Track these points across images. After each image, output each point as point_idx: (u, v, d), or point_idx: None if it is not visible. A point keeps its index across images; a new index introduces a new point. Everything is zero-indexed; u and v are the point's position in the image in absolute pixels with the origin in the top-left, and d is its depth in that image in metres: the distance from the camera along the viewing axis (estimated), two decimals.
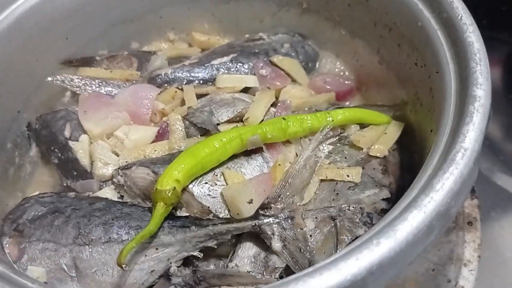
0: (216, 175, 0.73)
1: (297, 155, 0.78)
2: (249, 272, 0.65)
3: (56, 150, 0.82)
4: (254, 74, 0.92)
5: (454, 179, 0.50)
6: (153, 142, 0.81)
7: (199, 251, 0.67)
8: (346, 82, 0.95)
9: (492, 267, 1.00)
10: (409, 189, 0.53)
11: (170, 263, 0.66)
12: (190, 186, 0.71)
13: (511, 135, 1.22)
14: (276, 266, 0.66)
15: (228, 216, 0.70)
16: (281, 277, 0.66)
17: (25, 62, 0.84)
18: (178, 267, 0.67)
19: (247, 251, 0.67)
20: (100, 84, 0.88)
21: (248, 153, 0.76)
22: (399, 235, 0.47)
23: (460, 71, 0.62)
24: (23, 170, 0.85)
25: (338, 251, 0.64)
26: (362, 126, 0.82)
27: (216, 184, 0.72)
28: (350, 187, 0.71)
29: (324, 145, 0.76)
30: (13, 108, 0.84)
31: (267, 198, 0.67)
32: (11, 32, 0.81)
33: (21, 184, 0.85)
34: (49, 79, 0.88)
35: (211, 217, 0.69)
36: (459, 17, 0.66)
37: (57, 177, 0.84)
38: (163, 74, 0.90)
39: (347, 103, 0.94)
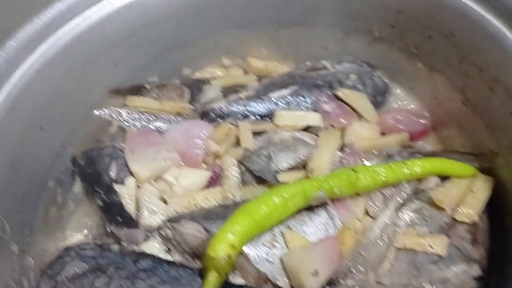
0: (275, 236, 0.65)
1: (366, 211, 0.68)
2: None
3: (100, 191, 0.76)
4: (316, 110, 0.83)
5: None
6: (205, 188, 0.73)
7: None
8: (421, 121, 0.84)
9: None
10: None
11: None
12: (246, 248, 0.63)
13: None
14: None
15: (289, 287, 0.61)
16: None
17: (70, 93, 0.78)
18: None
19: None
20: (149, 118, 0.81)
21: (310, 207, 0.68)
22: None
23: None
24: (65, 208, 0.80)
25: None
26: (442, 177, 0.72)
27: (275, 247, 0.64)
28: (433, 260, 0.61)
29: (404, 209, 0.65)
30: (57, 143, 0.78)
31: (335, 272, 0.58)
32: (55, 62, 0.74)
33: (62, 224, 0.79)
34: (96, 113, 0.81)
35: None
36: None
37: (101, 218, 0.77)
38: (217, 108, 0.82)
39: (420, 145, 0.84)
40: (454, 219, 0.65)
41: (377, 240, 0.59)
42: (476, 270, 0.60)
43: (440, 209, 0.66)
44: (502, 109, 0.67)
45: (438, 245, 0.61)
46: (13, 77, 0.70)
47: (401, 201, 0.64)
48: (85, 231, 0.78)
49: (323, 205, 0.68)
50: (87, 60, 0.79)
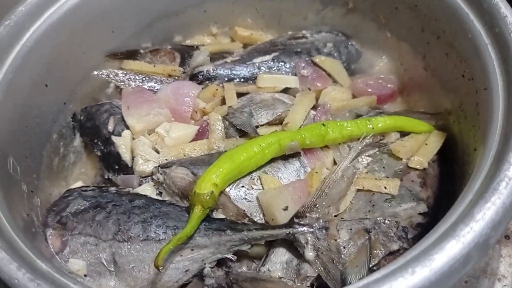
0: (253, 179, 0.74)
1: (335, 161, 0.78)
2: (280, 278, 0.66)
3: (99, 143, 0.84)
4: (295, 74, 0.91)
5: (496, 209, 0.49)
6: (193, 140, 0.82)
7: (232, 254, 0.68)
8: (389, 85, 0.93)
9: None
10: (448, 214, 0.53)
11: (204, 264, 0.68)
12: (227, 189, 0.72)
13: None
14: (308, 274, 0.66)
15: (263, 221, 0.71)
16: (311, 286, 0.67)
17: (72, 55, 0.86)
18: (212, 268, 0.68)
19: (280, 257, 0.68)
20: (144, 79, 0.90)
21: (285, 157, 0.77)
22: (434, 265, 0.46)
23: (510, 91, 0.60)
24: (67, 159, 0.88)
25: (370, 265, 0.65)
26: (403, 133, 0.81)
27: (252, 188, 0.73)
28: (386, 199, 0.71)
29: (363, 155, 0.75)
30: (59, 100, 0.87)
31: (302, 207, 0.68)
32: (59, 26, 0.83)
33: (64, 173, 0.88)
34: (95, 73, 0.90)
35: (246, 221, 0.70)
36: (511, 33, 0.63)
37: (99, 168, 0.86)
38: (205, 71, 0.90)
39: (387, 107, 0.93)
40: (408, 166, 0.74)
41: (339, 180, 0.69)
42: (422, 207, 0.70)
43: (397, 158, 0.76)
44: (454, 72, 0.76)
45: (391, 186, 0.71)
46: (22, 38, 0.78)
47: (362, 148, 0.73)
48: (85, 178, 0.88)
49: (297, 155, 0.77)
50: (87, 25, 0.87)
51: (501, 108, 0.60)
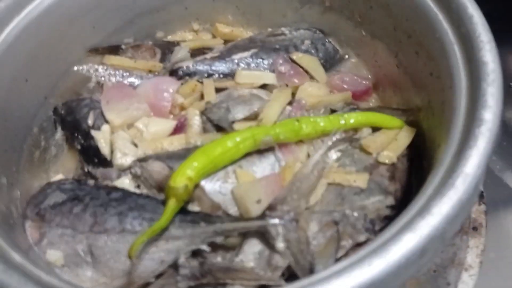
0: (228, 173, 0.76)
1: (309, 155, 0.80)
2: (252, 267, 0.69)
3: (79, 136, 0.86)
4: (274, 71, 0.93)
5: (452, 204, 0.52)
6: (171, 135, 0.84)
7: (207, 245, 0.70)
8: (364, 82, 0.95)
9: (498, 269, 1.02)
10: (408, 208, 0.55)
11: (179, 254, 0.70)
12: (202, 182, 0.74)
13: None
14: (279, 264, 0.69)
15: (237, 214, 0.73)
16: (282, 275, 0.69)
17: (53, 50, 0.88)
18: (187, 258, 0.70)
19: (253, 248, 0.70)
20: (124, 74, 0.91)
21: (260, 151, 0.79)
22: (391, 257, 0.49)
23: (472, 90, 0.63)
24: (48, 153, 0.90)
25: (338, 256, 0.68)
26: (375, 129, 0.83)
27: (227, 182, 0.75)
28: (356, 192, 0.73)
29: (334, 150, 0.77)
30: (40, 94, 0.88)
31: (274, 199, 0.70)
32: (40, 20, 0.83)
33: (45, 166, 0.89)
34: (76, 68, 0.91)
35: (220, 214, 0.72)
36: (476, 34, 0.66)
37: (79, 161, 0.88)
38: (184, 67, 0.92)
39: (363, 103, 0.95)
40: (378, 161, 0.77)
41: (309, 174, 0.71)
42: (390, 200, 0.72)
43: (368, 153, 0.78)
44: (424, 70, 0.78)
45: (360, 180, 0.73)
46: (2, 34, 0.79)
47: (332, 143, 0.75)
48: (65, 172, 0.89)
49: (272, 150, 0.79)
50: (68, 21, 0.88)
51: (463, 106, 0.62)
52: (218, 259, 0.73)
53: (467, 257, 0.84)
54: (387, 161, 0.76)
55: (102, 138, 0.83)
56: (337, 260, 0.67)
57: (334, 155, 0.77)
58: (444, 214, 0.52)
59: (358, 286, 0.47)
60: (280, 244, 0.68)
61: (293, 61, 0.95)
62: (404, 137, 0.79)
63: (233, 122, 0.83)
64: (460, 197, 0.53)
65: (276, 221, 0.68)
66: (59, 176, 0.86)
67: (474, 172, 0.54)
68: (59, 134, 0.92)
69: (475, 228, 0.87)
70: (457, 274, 0.82)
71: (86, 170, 0.85)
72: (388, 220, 0.71)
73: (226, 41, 1.04)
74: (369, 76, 0.96)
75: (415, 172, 0.80)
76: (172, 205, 0.69)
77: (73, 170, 0.90)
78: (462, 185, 0.53)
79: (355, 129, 0.82)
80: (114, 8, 0.94)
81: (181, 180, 0.69)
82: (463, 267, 0.83)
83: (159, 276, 0.71)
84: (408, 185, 0.76)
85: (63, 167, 0.91)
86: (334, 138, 0.76)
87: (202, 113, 0.85)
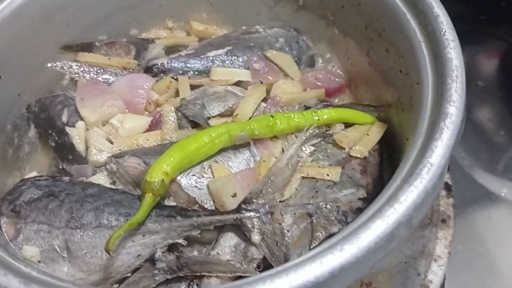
0: (204, 168, 0.77)
1: (283, 150, 0.82)
2: (229, 260, 0.70)
3: (53, 134, 0.86)
4: (248, 68, 0.95)
5: (418, 192, 0.54)
6: (146, 131, 0.84)
7: (183, 239, 0.71)
8: (337, 79, 0.97)
9: (466, 261, 1.06)
10: (378, 198, 0.57)
11: (156, 248, 0.71)
12: (178, 177, 0.75)
13: (496, 133, 1.26)
14: (254, 257, 0.70)
15: (213, 208, 0.74)
16: (258, 267, 0.71)
17: (27, 46, 0.87)
18: (163, 252, 0.71)
19: (229, 241, 0.72)
20: (98, 71, 0.92)
21: (236, 147, 0.80)
22: (361, 243, 0.51)
23: (438, 86, 0.65)
24: (21, 150, 0.89)
25: (312, 246, 0.70)
26: (347, 124, 0.86)
27: (203, 177, 0.76)
28: (329, 185, 0.75)
29: (307, 145, 0.79)
30: (13, 91, 0.87)
31: (250, 193, 0.72)
32: (13, 17, 0.83)
33: (19, 164, 0.89)
34: (49, 65, 0.91)
35: (196, 208, 0.73)
36: (442, 32, 0.69)
37: (54, 159, 0.88)
38: (159, 64, 0.93)
39: (336, 100, 0.97)
40: (350, 155, 0.79)
41: (284, 168, 0.73)
42: (362, 193, 0.75)
43: (340, 148, 0.80)
44: (394, 67, 0.81)
45: (333, 173, 0.75)
46: None
47: (306, 138, 0.77)
48: (39, 169, 0.89)
49: (247, 145, 0.81)
50: (41, 18, 0.88)
51: (430, 101, 0.65)
52: (194, 253, 0.74)
53: (436, 248, 0.87)
54: (359, 155, 0.79)
55: (77, 135, 0.83)
56: (311, 250, 0.69)
57: (308, 149, 0.79)
58: (410, 201, 0.54)
59: (330, 270, 0.49)
60: (255, 237, 0.69)
61: (267, 58, 0.96)
62: (375, 132, 0.82)
63: (208, 118, 0.84)
64: (425, 185, 0.55)
65: (251, 214, 0.70)
66: (33, 174, 0.86)
67: (438, 162, 0.57)
68: (32, 131, 0.92)
69: (443, 221, 0.90)
70: (426, 264, 0.85)
71: (60, 167, 0.85)
72: (360, 212, 0.73)
73: (200, 39, 1.05)
74: (342, 74, 0.99)
75: (387, 166, 0.82)
76: (149, 199, 0.69)
77: (46, 168, 0.90)
78: (427, 174, 0.56)
79: (328, 125, 0.85)
80: (88, 5, 0.94)
81: (157, 174, 0.70)
82: (432, 257, 0.86)
83: (135, 270, 0.71)
84: (379, 178, 0.79)
85: (37, 165, 0.91)
86: (307, 133, 0.77)
87: (177, 109, 0.86)
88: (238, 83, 0.93)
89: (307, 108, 0.91)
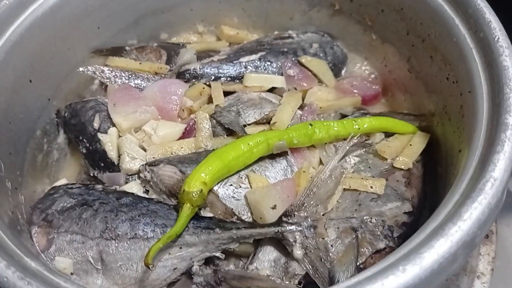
0: (241, 178, 0.74)
1: (321, 160, 0.79)
2: (268, 276, 0.67)
3: (84, 140, 0.83)
4: (282, 74, 0.92)
5: (482, 209, 0.51)
6: (180, 138, 0.82)
7: (221, 252, 0.69)
8: (373, 86, 0.94)
9: (504, 278, 1.02)
10: (435, 214, 0.54)
11: (193, 262, 0.68)
12: (216, 187, 0.73)
13: None
14: (296, 272, 0.67)
15: (251, 219, 0.72)
16: (299, 283, 0.68)
17: (57, 50, 0.85)
18: (200, 266, 0.68)
19: (268, 255, 0.69)
20: (130, 76, 0.89)
21: (273, 156, 0.77)
22: (424, 263, 0.48)
23: (494, 95, 0.62)
24: (50, 156, 0.87)
25: (358, 263, 0.66)
26: (387, 134, 0.83)
27: (240, 187, 0.74)
28: (373, 198, 0.72)
29: (350, 155, 0.76)
30: (43, 96, 0.85)
31: (291, 206, 0.69)
32: (44, 21, 0.81)
33: (48, 171, 0.87)
34: (81, 69, 0.89)
35: (234, 220, 0.70)
36: (496, 38, 0.65)
37: (84, 166, 0.85)
38: (192, 70, 0.90)
39: (371, 108, 0.94)
40: (393, 166, 0.76)
41: (327, 180, 0.70)
42: (407, 207, 0.71)
43: (383, 158, 0.77)
44: (439, 74, 0.78)
45: (377, 186, 0.72)
46: (6, 33, 0.76)
47: (349, 148, 0.74)
48: (69, 177, 0.87)
49: (284, 154, 0.78)
50: (72, 21, 0.86)
51: (485, 111, 0.62)
52: (230, 267, 0.71)
53: (479, 264, 0.83)
54: (403, 167, 0.75)
55: (109, 142, 0.81)
56: (357, 267, 0.66)
57: (352, 160, 0.76)
58: (474, 219, 0.51)
59: None
60: (298, 251, 0.66)
61: (301, 64, 0.94)
62: (418, 143, 0.78)
63: (244, 125, 0.81)
64: (489, 201, 0.52)
65: (293, 227, 0.67)
66: (62, 181, 0.84)
67: (501, 176, 0.54)
68: (61, 137, 0.90)
69: (486, 236, 0.86)
70: (469, 282, 0.81)
71: (91, 174, 0.82)
72: (405, 226, 0.70)
73: (231, 44, 1.03)
74: (379, 81, 0.95)
75: (428, 178, 0.79)
76: (187, 210, 0.67)
77: (76, 175, 0.88)
78: (491, 189, 0.53)
79: (368, 135, 0.81)
80: (119, 8, 0.92)
81: (196, 184, 0.68)
82: (475, 274, 0.82)
83: (171, 284, 0.69)
84: (424, 191, 0.76)
85: (66, 172, 0.89)
86: (351, 143, 0.74)
87: (212, 116, 0.83)
88: (272, 90, 0.91)
89: (343, 116, 0.88)
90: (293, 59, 0.94)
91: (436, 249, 0.49)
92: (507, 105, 0.59)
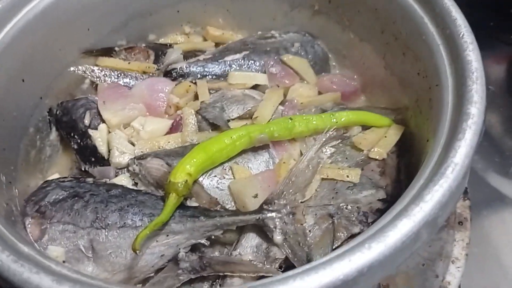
0: (225, 169, 0.78)
1: (301, 153, 0.83)
2: (251, 260, 0.71)
3: (75, 136, 0.87)
4: (265, 72, 0.96)
5: (443, 191, 0.55)
6: (167, 134, 0.86)
7: (206, 239, 0.72)
8: (352, 83, 0.99)
9: (480, 264, 1.06)
10: (402, 197, 0.58)
11: (179, 249, 0.72)
12: (201, 178, 0.76)
13: (508, 136, 1.27)
14: (277, 257, 0.71)
15: (234, 208, 0.76)
16: (280, 267, 0.72)
17: (48, 51, 0.89)
18: (186, 253, 0.72)
19: (250, 241, 0.73)
20: (119, 75, 0.93)
21: (255, 149, 0.81)
22: (388, 241, 0.52)
23: (458, 87, 0.66)
24: (43, 152, 0.91)
25: (334, 246, 0.70)
26: (365, 127, 0.87)
27: (224, 178, 0.78)
28: (349, 187, 0.76)
29: (327, 147, 0.80)
30: (36, 95, 0.89)
31: (271, 194, 0.73)
32: (35, 23, 0.85)
33: (41, 166, 0.90)
34: (72, 69, 0.93)
35: (218, 209, 0.74)
36: (460, 35, 0.70)
37: (75, 161, 0.89)
38: (178, 68, 0.94)
39: (351, 103, 0.99)
40: (369, 157, 0.80)
41: (304, 170, 0.74)
42: (381, 194, 0.76)
43: (359, 150, 0.81)
44: (411, 70, 0.82)
45: (353, 175, 0.76)
46: (0, 33, 0.80)
47: (326, 140, 0.78)
48: (61, 171, 0.90)
49: (266, 147, 0.82)
50: (63, 23, 0.90)
51: (450, 102, 0.66)
52: (216, 253, 0.75)
53: (454, 250, 0.87)
54: (377, 157, 0.80)
55: (99, 137, 0.85)
56: (333, 250, 0.69)
57: (328, 151, 0.80)
58: (436, 200, 0.55)
59: (359, 268, 0.50)
60: (278, 237, 0.70)
61: (283, 62, 0.98)
62: (393, 135, 0.83)
63: (228, 120, 0.85)
64: (450, 184, 0.56)
65: (273, 214, 0.71)
66: (55, 176, 0.87)
67: (462, 161, 0.58)
68: (53, 134, 0.93)
69: (460, 223, 0.90)
70: (444, 266, 0.86)
71: (83, 169, 0.86)
72: (380, 212, 0.75)
73: (217, 44, 1.07)
74: (357, 77, 1.00)
75: (403, 168, 0.83)
76: (173, 199, 0.70)
77: (67, 170, 0.92)
78: (452, 173, 0.57)
79: (346, 128, 0.86)
80: (109, 10, 0.96)
81: (181, 175, 0.71)
82: (450, 259, 0.86)
83: (158, 270, 0.72)
84: (397, 180, 0.80)
85: (58, 167, 0.92)
86: (327, 135, 0.79)
87: (197, 112, 0.87)
88: (255, 87, 0.95)
89: (323, 111, 0.92)
90: (275, 57, 0.98)
91: (400, 228, 0.53)
92: (469, 96, 0.63)
